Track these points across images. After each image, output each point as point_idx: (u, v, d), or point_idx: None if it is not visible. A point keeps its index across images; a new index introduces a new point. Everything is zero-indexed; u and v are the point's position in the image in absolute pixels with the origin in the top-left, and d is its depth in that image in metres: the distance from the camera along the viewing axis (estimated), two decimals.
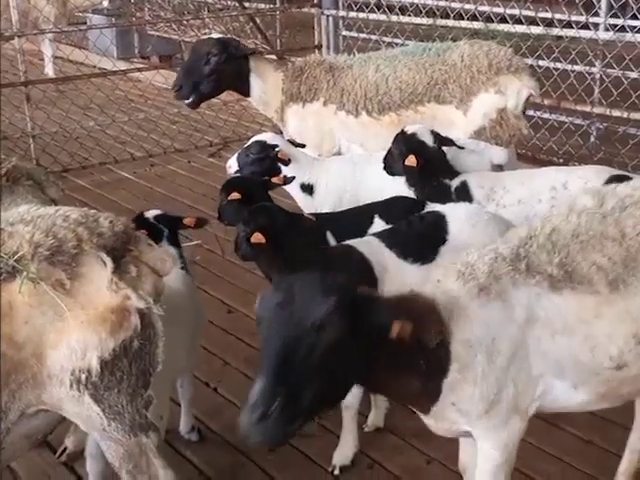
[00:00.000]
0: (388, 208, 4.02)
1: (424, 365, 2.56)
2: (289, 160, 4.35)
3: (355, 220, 3.98)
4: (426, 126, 4.41)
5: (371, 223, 3.94)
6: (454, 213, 3.73)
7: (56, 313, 2.36)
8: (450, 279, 2.67)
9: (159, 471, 2.69)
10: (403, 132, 4.33)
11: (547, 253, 2.68)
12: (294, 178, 4.31)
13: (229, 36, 5.56)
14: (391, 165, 4.37)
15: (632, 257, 2.66)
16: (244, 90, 5.43)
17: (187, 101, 5.37)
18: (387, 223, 3.89)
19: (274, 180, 4.11)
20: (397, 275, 3.43)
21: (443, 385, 2.62)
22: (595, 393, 2.79)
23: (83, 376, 2.42)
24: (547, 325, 2.65)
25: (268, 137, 4.49)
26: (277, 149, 4.36)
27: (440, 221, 3.68)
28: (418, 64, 5.18)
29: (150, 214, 3.60)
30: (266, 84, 5.37)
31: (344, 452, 3.68)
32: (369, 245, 3.56)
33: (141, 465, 2.65)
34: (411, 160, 4.18)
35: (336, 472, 3.63)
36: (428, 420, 2.82)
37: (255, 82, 5.35)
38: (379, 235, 3.65)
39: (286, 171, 4.36)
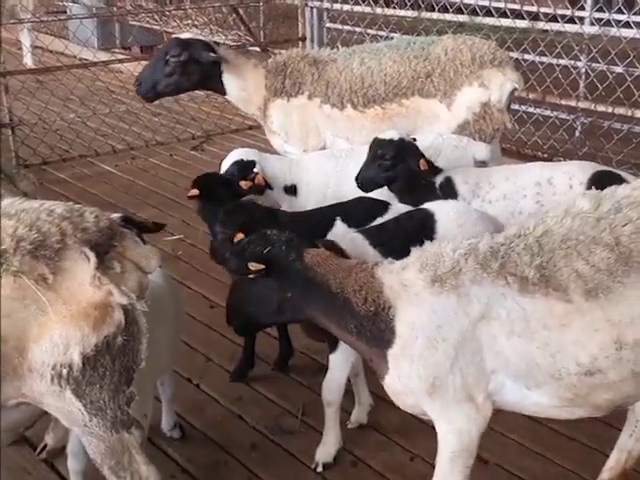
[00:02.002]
0: (349, 210, 3.96)
1: (355, 328, 2.84)
2: (267, 184, 4.26)
3: (316, 222, 3.89)
4: (396, 131, 4.36)
5: (332, 226, 3.88)
6: (442, 211, 3.71)
7: (39, 307, 2.35)
8: (412, 267, 2.81)
9: (141, 467, 2.68)
10: (390, 139, 4.18)
11: (531, 255, 2.70)
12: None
13: (198, 37, 5.35)
14: (374, 176, 4.17)
15: (622, 261, 2.65)
16: (218, 90, 5.35)
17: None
18: (349, 226, 3.83)
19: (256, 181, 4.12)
20: None
21: (388, 356, 2.81)
22: (558, 397, 2.79)
23: (65, 371, 2.40)
24: (505, 326, 2.69)
25: (243, 154, 4.39)
26: (254, 170, 4.27)
27: (428, 220, 3.66)
28: (403, 57, 5.16)
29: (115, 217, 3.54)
30: (246, 82, 5.28)
31: (327, 449, 3.65)
32: (353, 242, 3.52)
33: (123, 461, 2.64)
34: (424, 164, 4.14)
35: (319, 469, 3.61)
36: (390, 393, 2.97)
37: (231, 82, 5.24)
38: (364, 232, 3.61)
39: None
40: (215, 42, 5.40)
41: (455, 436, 2.85)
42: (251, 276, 2.93)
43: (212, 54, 5.08)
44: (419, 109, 5.12)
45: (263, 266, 2.87)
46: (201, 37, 5.39)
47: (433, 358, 2.73)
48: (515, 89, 5.11)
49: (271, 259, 2.90)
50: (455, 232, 3.52)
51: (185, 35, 5.35)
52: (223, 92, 5.31)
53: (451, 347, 2.72)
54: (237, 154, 4.36)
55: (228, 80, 5.22)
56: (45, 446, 3.66)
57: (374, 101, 5.16)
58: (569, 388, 2.74)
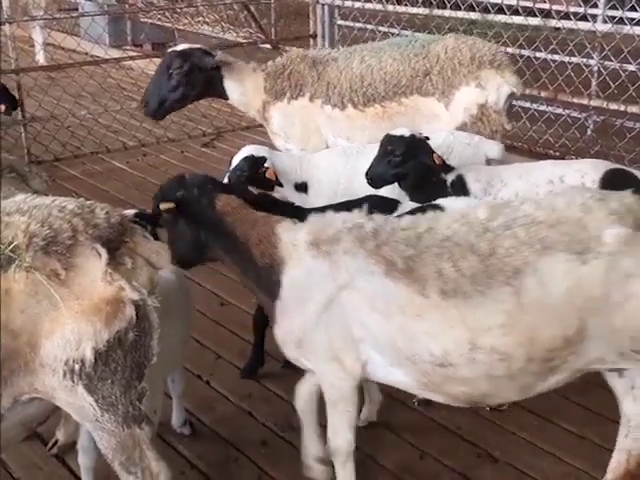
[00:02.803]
0: (358, 207, 3.95)
1: (255, 277, 3.10)
2: (277, 180, 4.26)
3: None
4: (407, 128, 4.34)
5: None
6: (454, 207, 3.70)
7: (51, 303, 2.36)
8: (304, 229, 3.06)
9: (152, 463, 2.69)
10: (401, 136, 4.16)
11: (406, 246, 2.85)
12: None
13: (195, 46, 5.26)
14: (384, 173, 4.15)
15: (488, 275, 2.73)
16: (221, 96, 5.31)
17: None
18: None
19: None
20: None
21: (276, 307, 3.05)
22: (416, 380, 2.95)
23: (77, 366, 2.41)
24: (369, 300, 2.86)
25: (254, 150, 4.39)
26: (265, 165, 4.27)
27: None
28: (403, 55, 5.13)
29: (129, 213, 3.54)
30: (244, 86, 5.24)
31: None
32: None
33: (134, 457, 2.64)
34: (439, 159, 4.13)
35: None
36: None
37: (231, 86, 5.20)
38: None
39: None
40: (207, 51, 5.24)
41: (328, 388, 3.08)
42: (165, 216, 3.21)
43: (213, 59, 5.07)
44: (418, 108, 5.09)
45: (172, 205, 3.15)
46: (196, 45, 5.31)
47: (302, 315, 2.96)
48: (513, 92, 5.08)
49: (183, 201, 3.16)
50: None
51: (181, 46, 5.26)
52: (226, 97, 5.28)
53: (318, 307, 2.93)
54: (248, 150, 4.36)
55: (229, 84, 5.19)
56: (56, 442, 3.69)
57: (374, 100, 5.13)
58: (424, 374, 2.89)
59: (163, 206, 3.16)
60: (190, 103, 5.42)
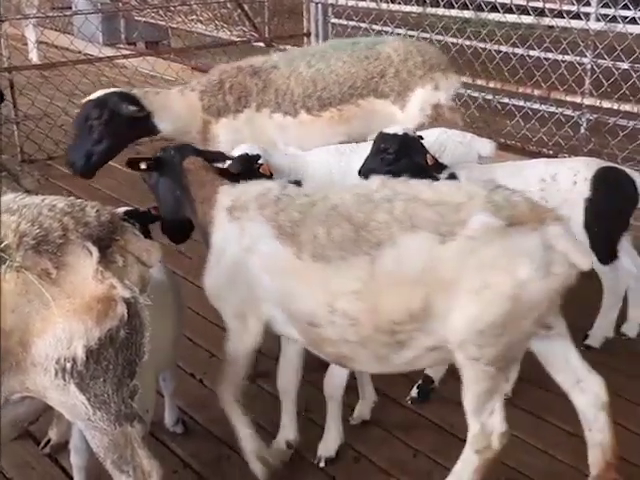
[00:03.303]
0: None
1: (203, 234, 3.45)
2: (271, 174, 4.26)
3: None
4: (402, 126, 4.35)
5: None
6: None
7: (42, 302, 2.36)
8: (232, 194, 3.34)
9: (144, 461, 2.68)
10: (394, 134, 4.17)
11: (298, 213, 3.07)
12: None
13: (110, 90, 4.85)
14: (377, 170, 4.05)
15: (355, 244, 2.90)
16: (152, 132, 4.97)
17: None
18: None
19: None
20: None
21: (207, 262, 3.36)
22: (303, 338, 3.19)
23: (68, 365, 2.41)
24: (265, 261, 3.12)
25: (248, 148, 4.36)
26: (259, 161, 4.26)
27: None
28: (353, 57, 5.07)
29: (119, 211, 3.57)
30: (177, 112, 4.96)
31: (328, 444, 3.66)
32: None
33: (126, 455, 2.64)
34: (432, 159, 4.14)
35: (321, 464, 3.62)
36: None
37: (162, 118, 4.87)
38: None
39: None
40: (125, 93, 4.87)
41: (229, 344, 3.36)
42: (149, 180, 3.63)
43: (131, 107, 4.70)
44: (374, 110, 5.06)
45: (150, 162, 3.57)
46: (112, 89, 4.96)
47: (216, 273, 3.27)
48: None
49: (160, 160, 3.57)
50: None
51: (96, 94, 4.81)
52: (157, 132, 4.97)
53: (228, 267, 3.23)
54: (242, 148, 4.35)
55: (159, 117, 4.87)
56: (49, 441, 3.69)
57: (330, 103, 5.05)
58: (304, 332, 3.13)
59: (143, 164, 3.57)
60: (120, 151, 4.91)
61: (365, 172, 4.21)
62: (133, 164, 3.63)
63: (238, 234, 3.20)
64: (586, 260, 2.90)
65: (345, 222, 2.92)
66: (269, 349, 4.41)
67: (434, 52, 5.19)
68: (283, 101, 5.05)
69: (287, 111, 5.07)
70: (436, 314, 2.85)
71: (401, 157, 4.15)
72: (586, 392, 3.17)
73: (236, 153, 4.32)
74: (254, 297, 3.18)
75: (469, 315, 2.81)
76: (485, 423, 3.02)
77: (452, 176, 4.30)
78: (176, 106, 4.98)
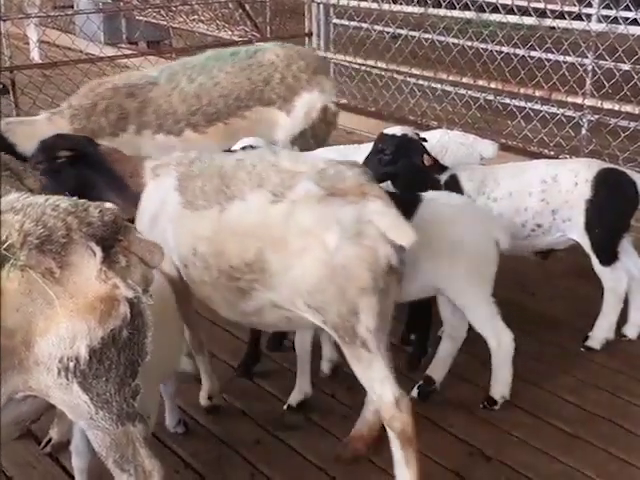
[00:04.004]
0: None
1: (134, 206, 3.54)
2: None
3: None
4: (402, 127, 4.35)
5: None
6: (433, 201, 3.79)
7: (46, 301, 2.36)
8: (159, 162, 3.59)
9: (145, 461, 2.68)
10: (392, 135, 4.19)
11: (200, 171, 3.38)
12: None
13: None
14: (374, 170, 4.07)
15: (216, 195, 3.23)
16: (26, 161, 4.36)
17: None
18: None
19: None
20: None
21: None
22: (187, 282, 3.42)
23: (71, 364, 2.41)
24: (170, 212, 3.37)
25: (251, 142, 4.38)
26: None
27: (411, 206, 3.69)
28: (235, 67, 4.97)
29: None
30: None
31: (296, 395, 3.95)
32: None
33: (127, 455, 2.64)
34: (429, 160, 4.14)
35: (284, 407, 3.95)
36: None
37: (27, 148, 4.35)
38: None
39: None
40: None
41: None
42: (61, 161, 3.61)
43: None
44: (260, 119, 4.97)
45: (71, 152, 3.60)
46: None
47: (140, 227, 3.23)
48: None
49: (79, 148, 3.62)
50: (435, 222, 3.68)
51: None
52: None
53: (149, 219, 3.44)
54: (245, 142, 4.36)
55: (23, 148, 4.51)
56: (50, 440, 3.68)
57: (217, 118, 4.90)
58: (185, 275, 3.40)
59: (64, 152, 3.60)
60: None
61: None
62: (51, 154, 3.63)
63: (157, 187, 3.47)
64: (404, 237, 3.02)
65: (217, 178, 3.27)
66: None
67: (314, 56, 5.17)
68: (165, 121, 4.84)
69: (170, 131, 4.86)
70: (273, 270, 3.10)
71: (399, 158, 4.16)
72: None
73: (239, 145, 4.32)
74: (167, 246, 3.13)
75: (296, 276, 3.05)
76: (381, 394, 3.12)
77: (453, 177, 4.32)
78: (43, 134, 4.22)
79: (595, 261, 4.31)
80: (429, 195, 3.86)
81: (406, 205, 3.75)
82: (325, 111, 5.00)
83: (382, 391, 3.11)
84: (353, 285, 3.00)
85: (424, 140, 4.31)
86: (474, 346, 3.94)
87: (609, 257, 4.28)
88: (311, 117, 4.96)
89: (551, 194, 4.25)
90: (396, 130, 4.23)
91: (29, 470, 3.59)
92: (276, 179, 3.13)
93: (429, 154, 4.21)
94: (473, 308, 3.79)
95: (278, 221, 3.06)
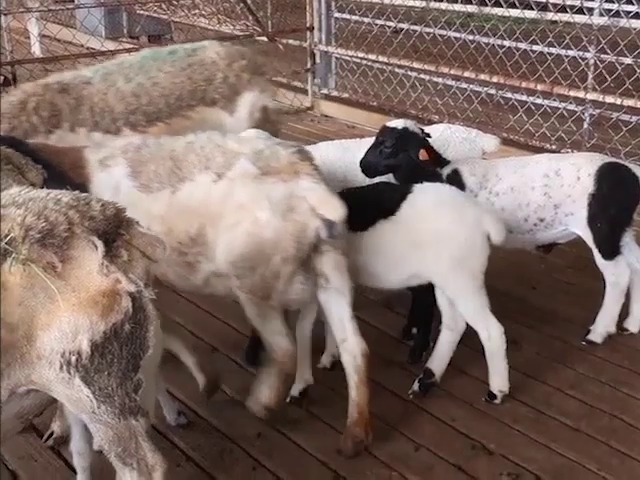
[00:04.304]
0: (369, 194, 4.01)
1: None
2: None
3: None
4: (405, 120, 4.34)
5: None
6: (423, 192, 3.82)
7: (47, 295, 2.36)
8: (104, 150, 3.63)
9: (148, 454, 2.68)
10: (393, 128, 4.20)
11: (150, 155, 3.51)
12: None
13: None
14: (376, 163, 4.23)
15: (170, 178, 3.43)
16: None
17: None
18: None
19: None
20: None
21: None
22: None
23: (73, 358, 2.41)
24: (123, 198, 3.29)
25: (253, 134, 4.37)
26: None
27: (399, 196, 3.77)
28: (174, 67, 4.85)
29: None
30: None
31: (296, 385, 3.96)
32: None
33: (130, 448, 2.64)
34: (424, 155, 4.14)
35: (287, 399, 3.91)
36: None
37: None
38: (342, 191, 3.84)
39: None
40: None
41: None
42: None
43: None
44: (204, 119, 4.87)
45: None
46: None
47: None
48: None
49: (12, 143, 3.55)
50: (423, 214, 3.75)
51: None
52: None
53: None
54: (251, 132, 4.35)
55: None
56: (52, 433, 3.69)
57: (157, 118, 4.76)
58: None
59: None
60: None
61: (365, 164, 4.24)
62: None
63: (109, 178, 3.51)
64: (333, 211, 3.33)
65: (170, 160, 3.45)
66: None
67: (252, 56, 5.07)
68: (102, 119, 4.69)
69: (107, 129, 4.71)
70: (210, 242, 3.39)
71: (399, 151, 4.16)
72: (347, 352, 3.60)
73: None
74: None
75: (224, 247, 3.36)
76: (276, 343, 3.55)
77: (455, 172, 4.31)
78: None
79: (597, 255, 4.30)
80: (420, 186, 3.88)
81: (395, 195, 3.81)
82: (266, 111, 4.92)
83: (278, 341, 3.55)
84: (279, 255, 3.35)
85: (428, 135, 4.30)
86: (477, 340, 3.94)
87: (611, 251, 4.27)
88: (254, 117, 4.89)
89: (553, 188, 4.25)
90: (398, 123, 4.23)
91: (31, 463, 3.60)
92: (220, 159, 3.42)
93: (430, 148, 4.20)
94: (461, 299, 3.80)
95: (217, 198, 3.36)
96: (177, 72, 4.81)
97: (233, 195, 3.36)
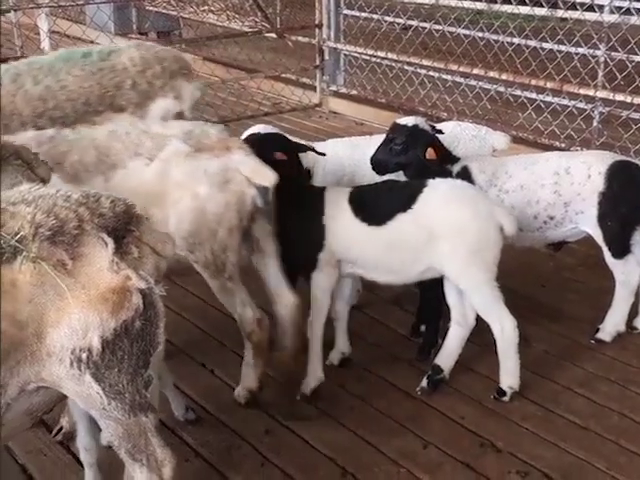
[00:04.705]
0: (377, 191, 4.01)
1: None
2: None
3: None
4: (416, 117, 4.32)
5: None
6: (436, 187, 3.82)
7: (57, 293, 2.36)
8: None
9: (157, 450, 2.69)
10: (404, 125, 4.20)
11: (66, 146, 3.54)
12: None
13: None
14: (386, 160, 4.22)
15: (97, 166, 3.49)
16: None
17: None
18: None
19: None
20: (342, 228, 3.83)
21: None
22: None
23: (84, 355, 2.42)
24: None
25: (262, 129, 4.33)
26: None
27: (415, 191, 3.79)
28: (84, 70, 4.70)
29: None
30: None
31: (310, 380, 3.97)
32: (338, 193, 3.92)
33: (140, 444, 2.65)
34: (431, 153, 4.13)
35: (297, 397, 3.96)
36: None
37: None
38: (357, 187, 4.01)
39: None
40: None
41: None
42: None
43: None
44: None
45: None
46: None
47: None
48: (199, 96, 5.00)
49: None
50: (437, 208, 3.76)
51: None
52: None
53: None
54: (256, 129, 4.34)
55: None
56: (61, 428, 3.71)
57: (63, 123, 4.50)
58: None
59: None
60: None
61: (375, 162, 4.24)
62: None
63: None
64: (265, 179, 3.52)
65: (93, 149, 3.51)
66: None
67: (174, 58, 4.90)
68: (11, 122, 4.52)
69: (16, 133, 4.40)
70: (156, 222, 3.34)
71: (409, 148, 4.15)
72: (282, 305, 3.80)
73: (250, 132, 4.31)
74: None
75: (172, 224, 3.47)
76: (241, 313, 3.72)
77: (465, 169, 4.30)
78: None
79: (607, 253, 4.29)
80: (434, 181, 3.88)
81: (411, 190, 3.81)
82: (181, 117, 4.73)
83: (243, 312, 3.72)
84: (223, 227, 3.51)
85: (440, 132, 4.30)
86: (486, 337, 3.93)
87: (621, 250, 4.26)
88: None
89: (563, 186, 4.23)
90: (408, 120, 4.22)
91: (40, 457, 3.62)
92: (149, 144, 3.52)
93: (439, 146, 4.19)
94: (475, 291, 3.80)
95: (154, 179, 3.47)
96: (86, 76, 4.65)
97: (170, 174, 3.48)
